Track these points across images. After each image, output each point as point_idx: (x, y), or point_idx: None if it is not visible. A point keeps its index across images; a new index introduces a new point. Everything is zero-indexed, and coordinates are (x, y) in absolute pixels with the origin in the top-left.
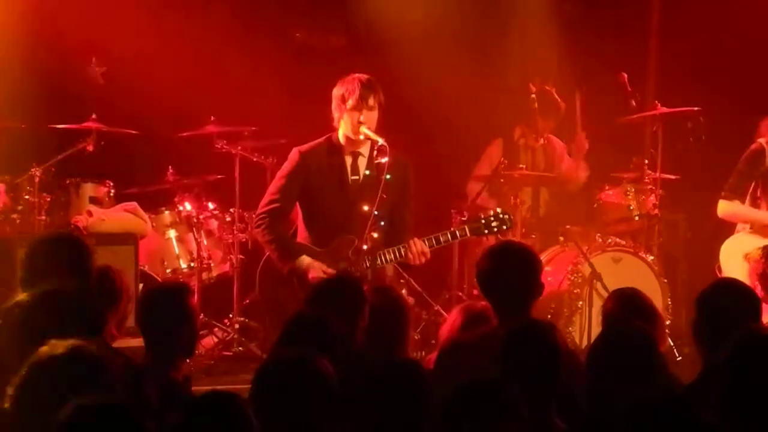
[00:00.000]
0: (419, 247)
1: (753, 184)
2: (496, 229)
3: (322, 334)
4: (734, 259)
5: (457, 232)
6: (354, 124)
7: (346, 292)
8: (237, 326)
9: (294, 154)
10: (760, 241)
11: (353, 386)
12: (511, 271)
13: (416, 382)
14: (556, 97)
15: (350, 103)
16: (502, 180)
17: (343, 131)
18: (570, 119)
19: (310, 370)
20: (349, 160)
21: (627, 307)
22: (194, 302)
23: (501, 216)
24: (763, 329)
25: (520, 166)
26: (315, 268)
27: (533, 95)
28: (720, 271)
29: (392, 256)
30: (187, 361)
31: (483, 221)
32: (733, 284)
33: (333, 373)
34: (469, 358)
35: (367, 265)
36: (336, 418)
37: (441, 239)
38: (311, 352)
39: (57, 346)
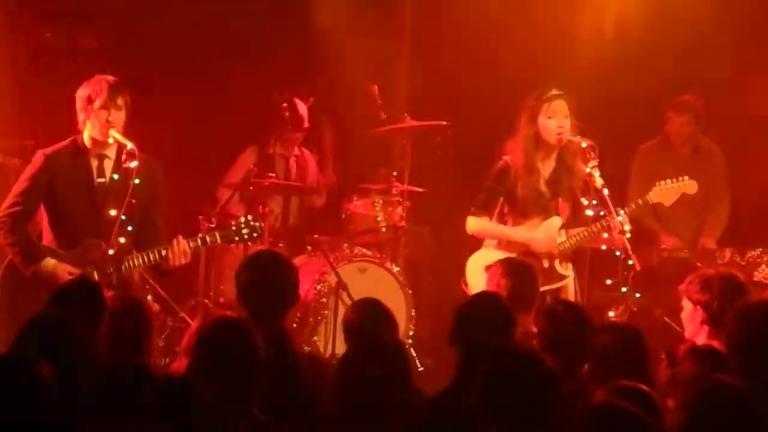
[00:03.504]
0: (183, 246)
1: (500, 200)
2: (246, 237)
3: (59, 337)
4: (480, 274)
5: (207, 239)
6: (102, 124)
7: (86, 296)
8: None
9: (38, 157)
10: (505, 256)
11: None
12: (273, 281)
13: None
14: (300, 109)
15: (98, 103)
16: (251, 188)
17: (89, 133)
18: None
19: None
20: (95, 162)
21: (367, 317)
22: None
23: (252, 223)
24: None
25: (270, 174)
26: (60, 270)
27: (284, 105)
28: (466, 285)
29: (148, 258)
30: None
31: (234, 228)
32: (489, 297)
33: (47, 376)
34: None
35: (112, 270)
36: (52, 421)
37: (190, 245)
38: (23, 354)
39: None
